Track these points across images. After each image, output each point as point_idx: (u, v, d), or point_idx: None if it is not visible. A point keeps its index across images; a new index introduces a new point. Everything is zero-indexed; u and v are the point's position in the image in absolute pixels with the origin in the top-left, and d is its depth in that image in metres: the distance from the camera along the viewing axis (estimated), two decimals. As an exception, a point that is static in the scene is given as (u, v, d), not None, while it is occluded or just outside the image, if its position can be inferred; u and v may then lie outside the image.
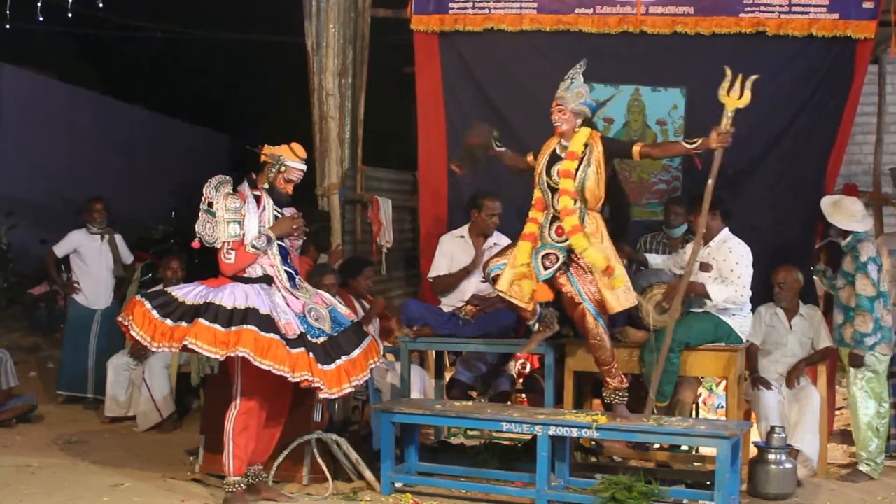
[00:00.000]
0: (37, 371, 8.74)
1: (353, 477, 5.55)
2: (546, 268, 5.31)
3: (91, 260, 8.11)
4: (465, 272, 6.41)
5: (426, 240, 7.22)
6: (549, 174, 5.32)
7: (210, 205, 5.06)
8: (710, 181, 5.37)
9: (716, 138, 5.23)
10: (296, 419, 5.42)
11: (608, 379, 5.34)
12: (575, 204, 5.23)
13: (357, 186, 8.10)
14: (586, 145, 5.29)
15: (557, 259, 5.29)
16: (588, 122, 5.39)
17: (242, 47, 13.88)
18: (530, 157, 5.52)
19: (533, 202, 5.42)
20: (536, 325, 5.55)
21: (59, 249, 8.16)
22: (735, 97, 5.30)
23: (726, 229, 5.86)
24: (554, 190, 5.30)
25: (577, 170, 5.24)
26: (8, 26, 8.91)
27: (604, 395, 5.39)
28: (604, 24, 6.89)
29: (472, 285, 6.40)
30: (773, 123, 6.78)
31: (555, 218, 5.31)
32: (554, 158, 5.34)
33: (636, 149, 5.33)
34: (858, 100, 6.74)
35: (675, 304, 5.48)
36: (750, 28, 6.72)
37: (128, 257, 8.34)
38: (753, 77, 5.30)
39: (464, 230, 6.55)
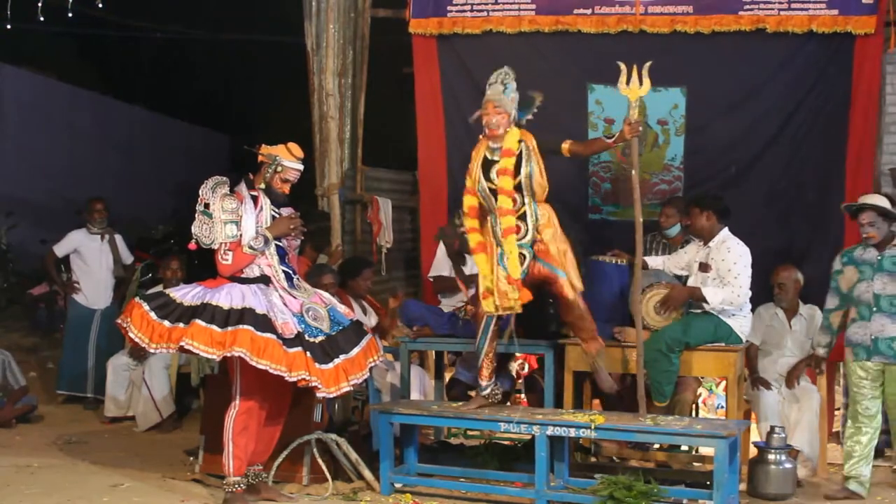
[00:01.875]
0: (37, 371, 8.74)
1: (353, 477, 5.55)
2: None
3: (91, 260, 8.12)
4: (470, 280, 6.37)
5: (426, 240, 7.22)
6: (487, 179, 5.32)
7: (206, 206, 5.06)
8: (633, 172, 5.42)
9: (628, 129, 5.33)
10: (295, 419, 5.42)
11: (590, 343, 5.45)
12: (515, 204, 5.25)
13: (357, 186, 8.10)
14: (520, 141, 5.31)
15: (525, 257, 5.31)
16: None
17: (242, 47, 13.86)
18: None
19: (465, 211, 5.42)
20: (488, 390, 5.56)
21: (59, 249, 8.16)
22: (635, 87, 5.43)
23: (726, 229, 5.84)
24: (494, 193, 5.30)
25: (517, 167, 5.25)
26: (8, 26, 8.91)
27: (588, 361, 5.51)
28: (603, 24, 6.90)
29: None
30: (773, 120, 6.80)
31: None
32: (488, 163, 5.33)
33: (565, 146, 5.39)
34: (874, 96, 6.69)
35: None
36: (750, 25, 6.73)
37: (128, 257, 8.34)
38: (647, 64, 5.39)
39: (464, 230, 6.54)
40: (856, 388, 5.57)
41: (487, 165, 5.34)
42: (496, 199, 5.29)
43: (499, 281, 5.26)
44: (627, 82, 5.44)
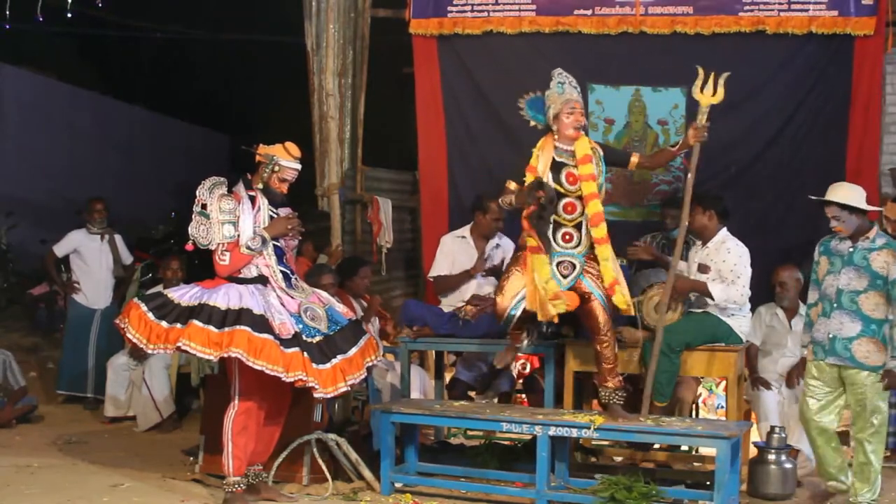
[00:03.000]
0: (37, 371, 8.74)
1: (353, 477, 5.55)
2: (564, 276, 5.27)
3: (91, 260, 8.12)
4: (467, 275, 6.40)
5: (426, 240, 7.23)
6: (556, 181, 5.23)
7: (204, 206, 5.06)
8: (689, 176, 5.43)
9: (693, 134, 5.33)
10: (295, 419, 5.42)
11: (608, 378, 5.31)
12: (575, 212, 5.23)
13: (357, 186, 8.10)
14: (593, 149, 5.28)
15: (574, 267, 5.26)
16: None
17: (242, 47, 13.86)
18: (512, 184, 5.34)
19: (525, 213, 5.29)
20: (525, 342, 5.55)
21: (59, 249, 8.16)
22: (709, 94, 5.43)
23: (724, 230, 5.84)
24: (560, 196, 5.23)
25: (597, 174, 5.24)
26: (8, 26, 8.91)
27: (601, 395, 5.37)
28: (603, 24, 6.90)
29: (473, 286, 6.39)
30: (773, 121, 6.81)
31: (558, 224, 5.27)
32: (556, 165, 5.26)
33: (634, 159, 5.41)
34: (874, 96, 6.69)
35: (662, 307, 5.52)
36: (749, 27, 6.74)
37: (127, 257, 8.34)
38: (725, 74, 5.39)
39: (465, 231, 6.54)
40: (806, 390, 5.21)
41: (556, 167, 5.25)
42: (558, 202, 5.20)
43: (543, 288, 5.20)
44: (702, 88, 5.42)
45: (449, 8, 7.12)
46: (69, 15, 8.57)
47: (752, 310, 5.94)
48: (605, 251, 5.21)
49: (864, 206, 5.05)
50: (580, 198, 5.24)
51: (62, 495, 5.21)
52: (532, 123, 5.40)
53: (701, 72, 5.42)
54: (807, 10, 6.66)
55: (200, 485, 5.55)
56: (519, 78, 7.03)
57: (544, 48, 7.00)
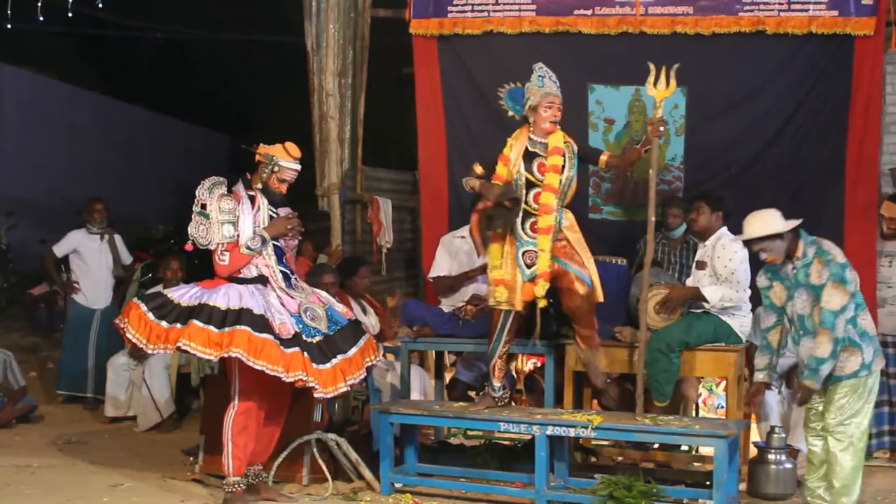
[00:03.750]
0: (37, 371, 8.74)
1: (353, 477, 5.55)
2: (528, 266, 5.33)
3: (90, 260, 8.12)
4: (466, 276, 6.39)
5: (426, 240, 7.22)
6: (528, 170, 5.34)
7: (203, 206, 5.06)
8: (651, 171, 5.42)
9: (651, 130, 5.37)
10: (295, 419, 5.42)
11: (589, 341, 5.42)
12: (555, 201, 5.28)
13: (357, 186, 8.10)
14: (566, 143, 5.34)
15: (538, 256, 5.32)
16: None
17: (242, 47, 13.87)
18: (478, 168, 5.47)
19: (480, 205, 5.41)
20: (500, 392, 5.55)
21: (59, 249, 8.16)
22: (661, 88, 5.46)
23: (724, 228, 5.86)
24: (531, 185, 5.32)
25: (563, 167, 5.29)
26: (8, 26, 8.91)
27: (580, 354, 5.49)
28: (603, 24, 6.90)
29: (473, 286, 6.39)
30: (773, 121, 6.80)
31: (527, 214, 5.34)
32: (529, 155, 5.35)
33: (603, 158, 5.47)
34: (874, 96, 6.69)
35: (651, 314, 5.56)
36: (749, 27, 6.73)
37: (127, 257, 8.34)
38: (675, 66, 5.44)
39: (465, 230, 6.53)
40: (806, 412, 5.11)
41: (528, 157, 5.35)
42: (527, 191, 5.31)
43: (514, 277, 5.31)
44: (655, 83, 5.47)
45: (449, 8, 7.11)
46: (69, 15, 8.57)
47: (752, 310, 5.93)
48: (545, 242, 5.27)
49: (781, 227, 4.94)
50: None
51: (62, 495, 5.21)
52: (510, 114, 5.53)
53: (652, 67, 5.47)
54: (807, 10, 6.65)
55: (200, 485, 5.56)
56: (519, 78, 6.97)
57: (544, 48, 6.99)
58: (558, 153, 5.31)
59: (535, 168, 5.33)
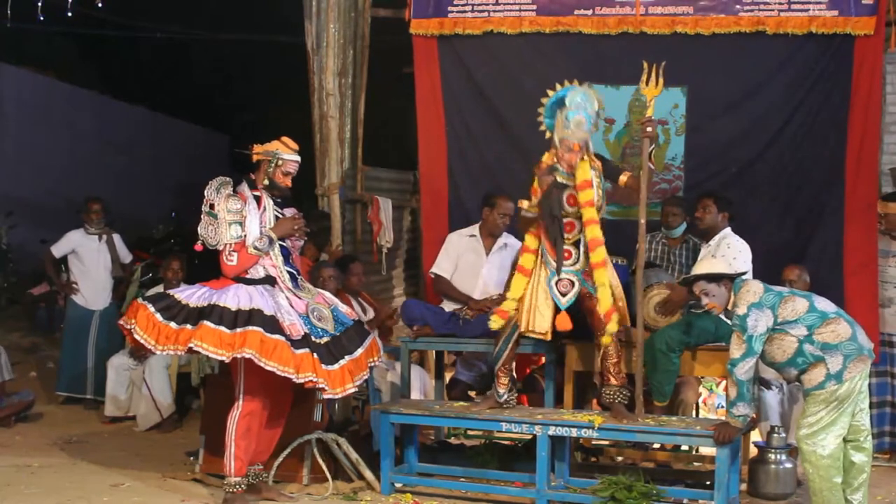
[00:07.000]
0: (37, 371, 8.74)
1: (353, 477, 5.55)
2: (563, 294, 5.30)
3: (89, 260, 8.10)
4: (466, 296, 6.33)
5: (426, 240, 7.22)
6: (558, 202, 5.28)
7: (212, 207, 5.07)
8: (641, 171, 5.43)
9: (643, 129, 5.39)
10: (296, 419, 5.43)
11: (612, 377, 5.31)
12: (573, 230, 5.28)
13: (357, 186, 8.10)
14: (592, 169, 5.30)
15: (573, 285, 5.30)
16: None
17: (242, 47, 13.88)
18: (523, 203, 5.41)
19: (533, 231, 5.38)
20: (505, 397, 5.52)
21: (57, 250, 8.13)
22: (652, 87, 5.49)
23: (728, 228, 5.89)
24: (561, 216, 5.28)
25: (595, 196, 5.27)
26: (8, 26, 8.92)
27: (604, 393, 5.36)
28: (603, 25, 6.90)
29: (475, 287, 6.36)
30: (773, 120, 6.80)
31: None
32: (559, 185, 5.28)
33: (623, 178, 5.44)
34: (874, 96, 6.68)
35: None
36: (749, 27, 6.73)
37: (126, 257, 8.31)
38: (663, 63, 5.47)
39: (474, 229, 6.50)
40: None
41: (559, 188, 5.28)
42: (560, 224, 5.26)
43: (538, 304, 5.27)
44: (647, 82, 5.49)
45: (449, 8, 7.11)
46: (69, 15, 8.57)
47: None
48: (603, 276, 5.21)
49: (729, 269, 5.02)
50: (579, 217, 5.29)
51: (62, 495, 5.21)
52: (542, 127, 5.45)
53: (645, 66, 5.50)
54: (807, 10, 6.65)
55: (200, 485, 5.56)
56: (519, 78, 7.04)
57: (544, 48, 7.00)
58: (587, 186, 5.24)
59: (564, 199, 5.26)
